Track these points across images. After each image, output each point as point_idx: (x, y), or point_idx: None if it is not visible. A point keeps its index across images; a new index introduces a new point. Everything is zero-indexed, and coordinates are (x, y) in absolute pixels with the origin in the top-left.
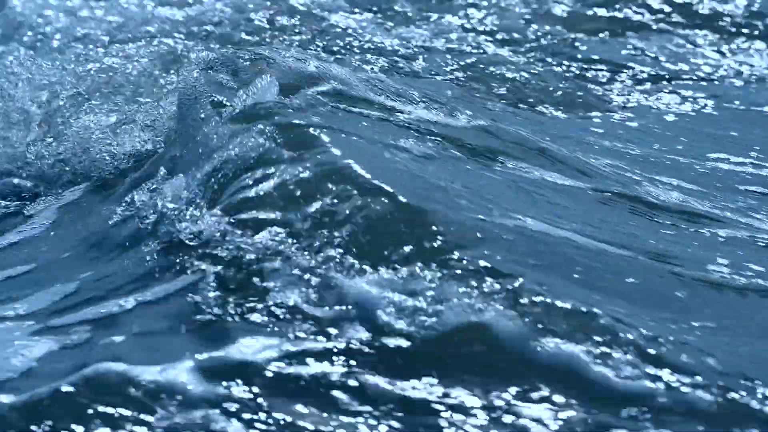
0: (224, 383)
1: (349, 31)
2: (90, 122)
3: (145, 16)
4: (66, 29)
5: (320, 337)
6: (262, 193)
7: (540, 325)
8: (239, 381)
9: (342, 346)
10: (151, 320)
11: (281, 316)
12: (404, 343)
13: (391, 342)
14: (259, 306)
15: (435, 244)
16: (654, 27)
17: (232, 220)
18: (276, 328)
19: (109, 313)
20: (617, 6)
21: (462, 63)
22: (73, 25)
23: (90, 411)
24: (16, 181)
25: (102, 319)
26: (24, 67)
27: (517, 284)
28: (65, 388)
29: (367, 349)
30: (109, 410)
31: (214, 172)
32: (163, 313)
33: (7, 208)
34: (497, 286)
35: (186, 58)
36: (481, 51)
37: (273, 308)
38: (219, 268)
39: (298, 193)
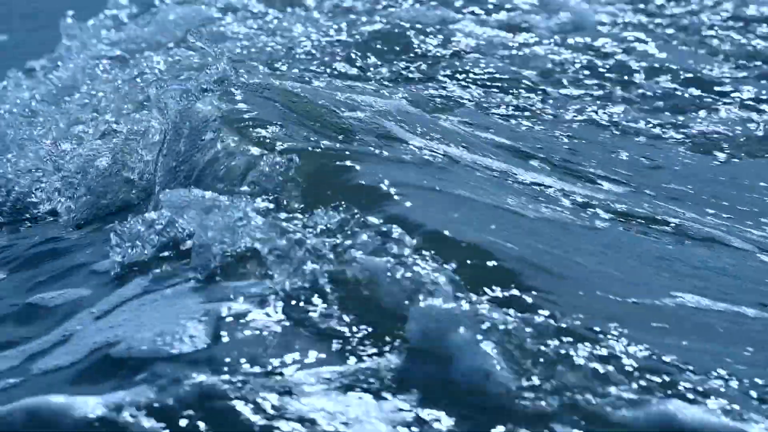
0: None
1: (466, 62)
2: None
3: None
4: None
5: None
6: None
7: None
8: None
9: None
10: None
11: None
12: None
13: (497, 407)
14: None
15: (558, 316)
16: None
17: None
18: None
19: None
20: None
21: (622, 104)
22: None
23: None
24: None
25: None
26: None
27: (658, 362)
28: (208, 383)
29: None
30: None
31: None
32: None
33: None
34: (636, 366)
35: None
36: (664, 92)
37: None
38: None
39: (393, 253)
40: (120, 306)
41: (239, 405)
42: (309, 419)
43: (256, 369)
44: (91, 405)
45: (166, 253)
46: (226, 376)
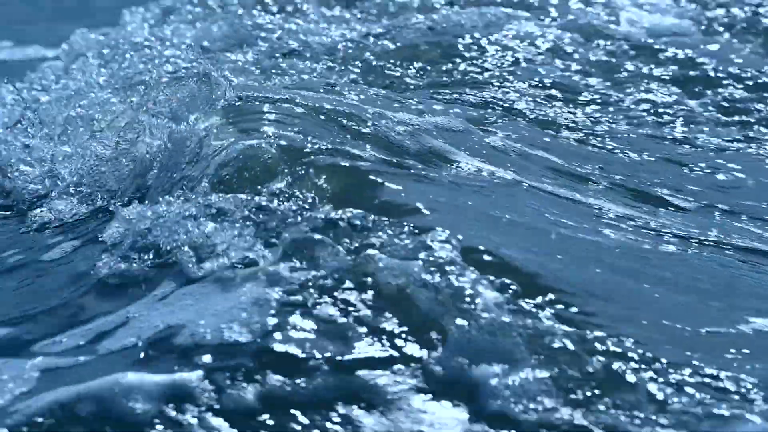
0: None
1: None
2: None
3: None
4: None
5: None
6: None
7: None
8: None
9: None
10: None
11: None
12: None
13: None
14: None
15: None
16: None
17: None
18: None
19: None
20: None
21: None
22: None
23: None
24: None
25: None
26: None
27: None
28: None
29: None
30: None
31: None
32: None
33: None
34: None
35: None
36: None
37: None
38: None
39: (436, 281)
40: (181, 289)
41: (296, 397)
42: (365, 418)
43: (312, 363)
44: (155, 388)
45: (225, 242)
46: (285, 368)
